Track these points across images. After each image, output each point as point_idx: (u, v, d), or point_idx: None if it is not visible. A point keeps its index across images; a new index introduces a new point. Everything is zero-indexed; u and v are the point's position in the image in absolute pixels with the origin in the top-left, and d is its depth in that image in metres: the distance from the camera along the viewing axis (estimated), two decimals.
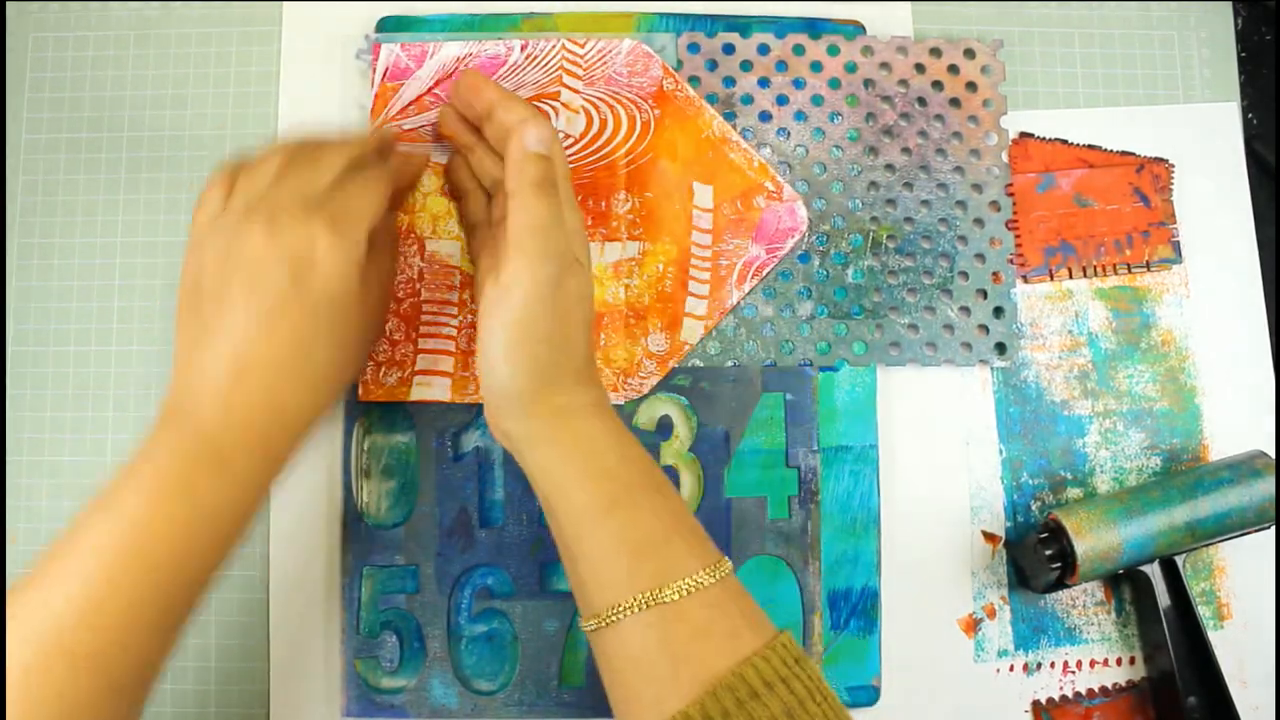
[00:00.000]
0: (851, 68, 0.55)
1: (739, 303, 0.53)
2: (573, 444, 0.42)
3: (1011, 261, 0.54)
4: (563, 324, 0.43)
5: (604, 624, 0.40)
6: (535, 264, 0.42)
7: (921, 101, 0.55)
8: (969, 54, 0.55)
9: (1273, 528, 0.50)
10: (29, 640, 0.35)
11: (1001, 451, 0.54)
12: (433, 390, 0.51)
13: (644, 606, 0.39)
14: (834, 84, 0.55)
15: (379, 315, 0.47)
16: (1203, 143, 0.56)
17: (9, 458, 0.53)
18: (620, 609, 0.39)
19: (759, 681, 0.37)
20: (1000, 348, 0.53)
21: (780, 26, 0.55)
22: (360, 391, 0.51)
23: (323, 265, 0.41)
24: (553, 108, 0.53)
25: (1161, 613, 0.50)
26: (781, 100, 0.54)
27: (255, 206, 0.42)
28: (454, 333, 0.52)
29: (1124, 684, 0.52)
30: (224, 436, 0.40)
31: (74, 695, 0.35)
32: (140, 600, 0.37)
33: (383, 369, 0.51)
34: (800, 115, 0.54)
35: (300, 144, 0.45)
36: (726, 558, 0.42)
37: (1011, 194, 0.54)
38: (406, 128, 0.53)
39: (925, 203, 0.54)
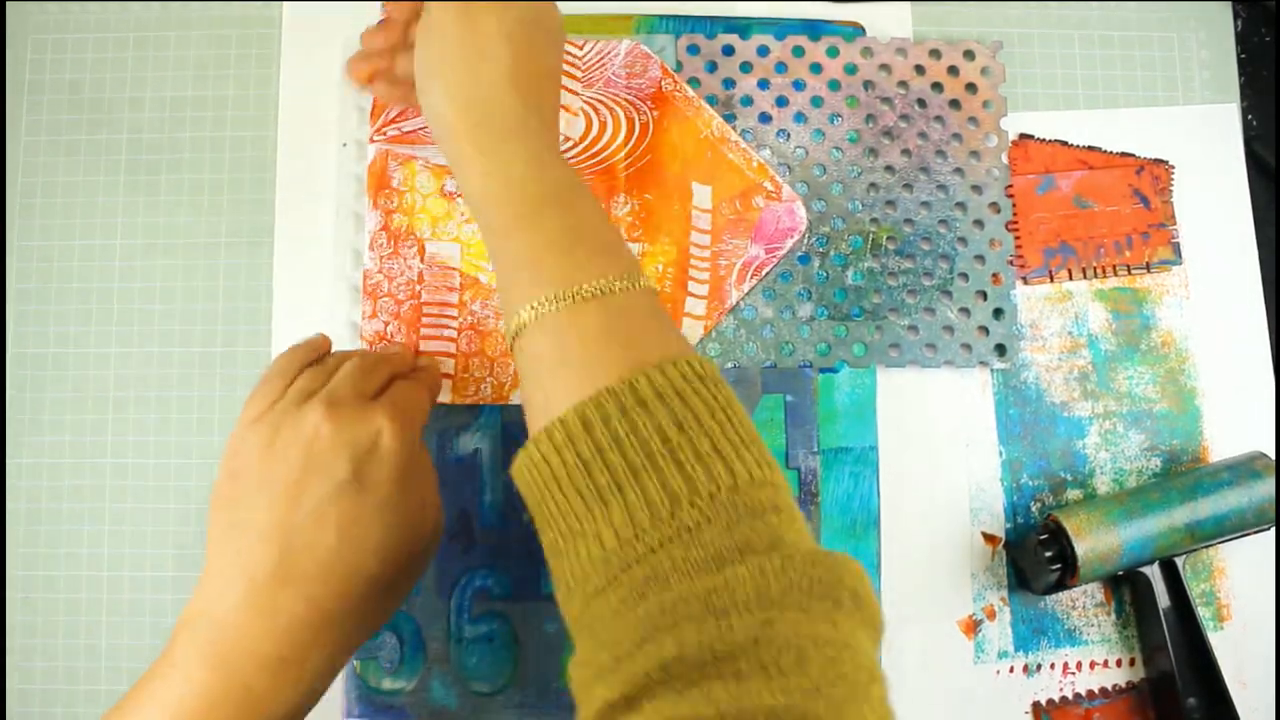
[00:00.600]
0: (851, 69, 0.55)
1: (738, 303, 0.53)
2: (492, 166, 0.41)
3: (1011, 263, 0.54)
4: (480, 60, 0.41)
5: (513, 335, 0.38)
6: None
7: (921, 103, 0.55)
8: (969, 55, 0.55)
9: (1272, 529, 0.50)
10: None
11: (1001, 453, 0.53)
12: None
13: (544, 312, 0.37)
14: (834, 85, 0.55)
15: (424, 521, 0.43)
16: (1202, 144, 0.56)
17: (9, 458, 0.53)
18: (523, 318, 0.37)
19: (650, 391, 0.34)
20: (1000, 349, 0.53)
21: (780, 28, 0.55)
22: None
23: (386, 453, 0.40)
24: None
25: (1161, 614, 0.50)
26: (781, 102, 0.54)
27: (314, 395, 0.41)
28: (454, 334, 0.52)
29: (1124, 685, 0.52)
30: (253, 650, 0.38)
31: None
32: None
33: None
34: (800, 117, 0.54)
35: (348, 354, 0.46)
36: (643, 275, 0.39)
37: (1011, 195, 0.55)
38: (406, 129, 0.53)
39: (925, 204, 0.54)
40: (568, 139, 0.53)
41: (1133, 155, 0.56)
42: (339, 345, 0.50)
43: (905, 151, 0.54)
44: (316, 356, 0.45)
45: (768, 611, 0.29)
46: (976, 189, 0.54)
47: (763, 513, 0.33)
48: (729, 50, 0.55)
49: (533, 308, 0.37)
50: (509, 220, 0.40)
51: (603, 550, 0.33)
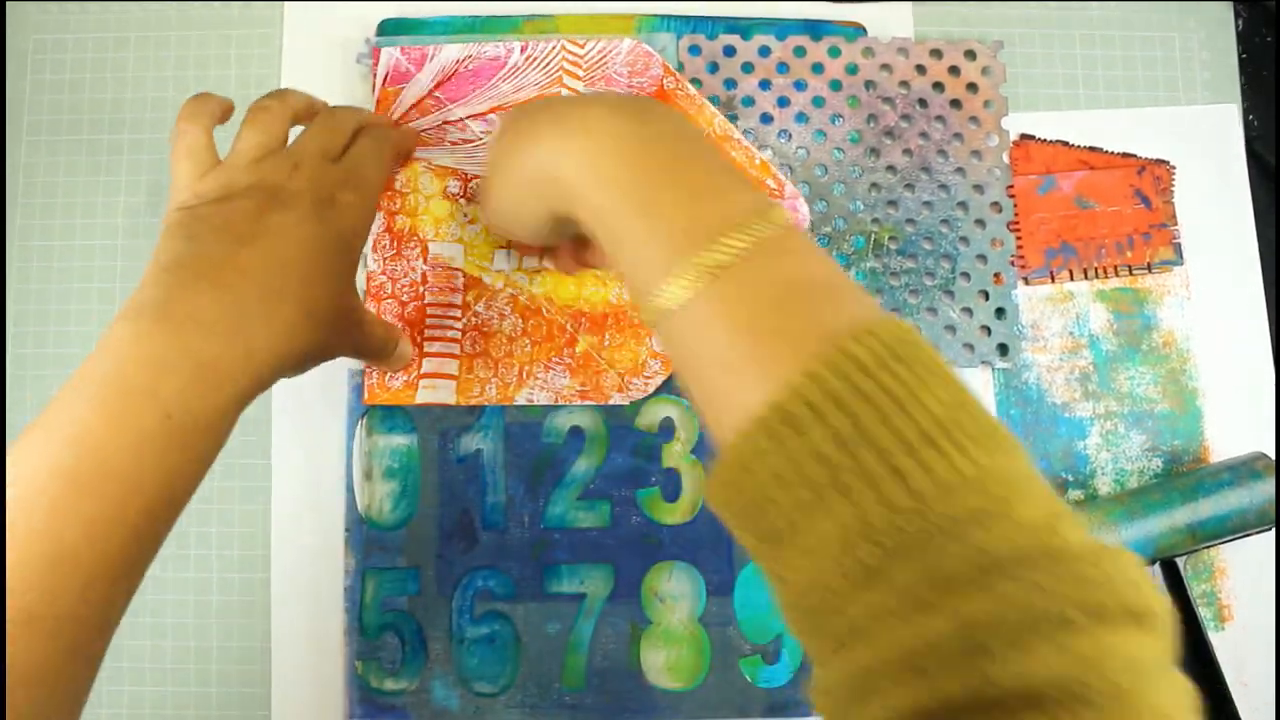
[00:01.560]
0: (853, 69, 0.55)
1: None
2: (584, 146, 0.36)
3: (1013, 262, 0.54)
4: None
5: (657, 311, 0.33)
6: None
7: (923, 103, 0.55)
8: (970, 55, 0.55)
9: (1273, 529, 0.50)
10: None
11: None
12: (438, 393, 0.51)
13: (682, 293, 0.32)
14: (835, 86, 0.55)
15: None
16: (1203, 144, 0.57)
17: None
18: (669, 288, 0.32)
19: (803, 410, 0.28)
20: (1003, 349, 0.53)
21: (781, 28, 0.55)
22: (365, 395, 0.51)
23: (342, 207, 0.42)
24: None
25: None
26: (783, 102, 0.54)
27: (274, 152, 0.42)
28: (459, 335, 0.51)
29: None
30: (206, 340, 0.36)
31: (28, 663, 0.31)
32: (104, 542, 0.33)
33: (387, 373, 0.51)
34: (801, 117, 0.54)
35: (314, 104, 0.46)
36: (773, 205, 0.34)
37: (1013, 195, 0.55)
38: None
39: (927, 204, 0.54)
40: None
41: (1134, 155, 0.56)
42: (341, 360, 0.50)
43: (907, 151, 0.54)
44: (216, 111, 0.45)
45: (979, 663, 0.25)
46: (978, 188, 0.54)
47: (962, 530, 0.27)
48: (730, 51, 0.55)
49: (683, 275, 0.32)
50: (625, 190, 0.35)
51: (797, 595, 0.29)
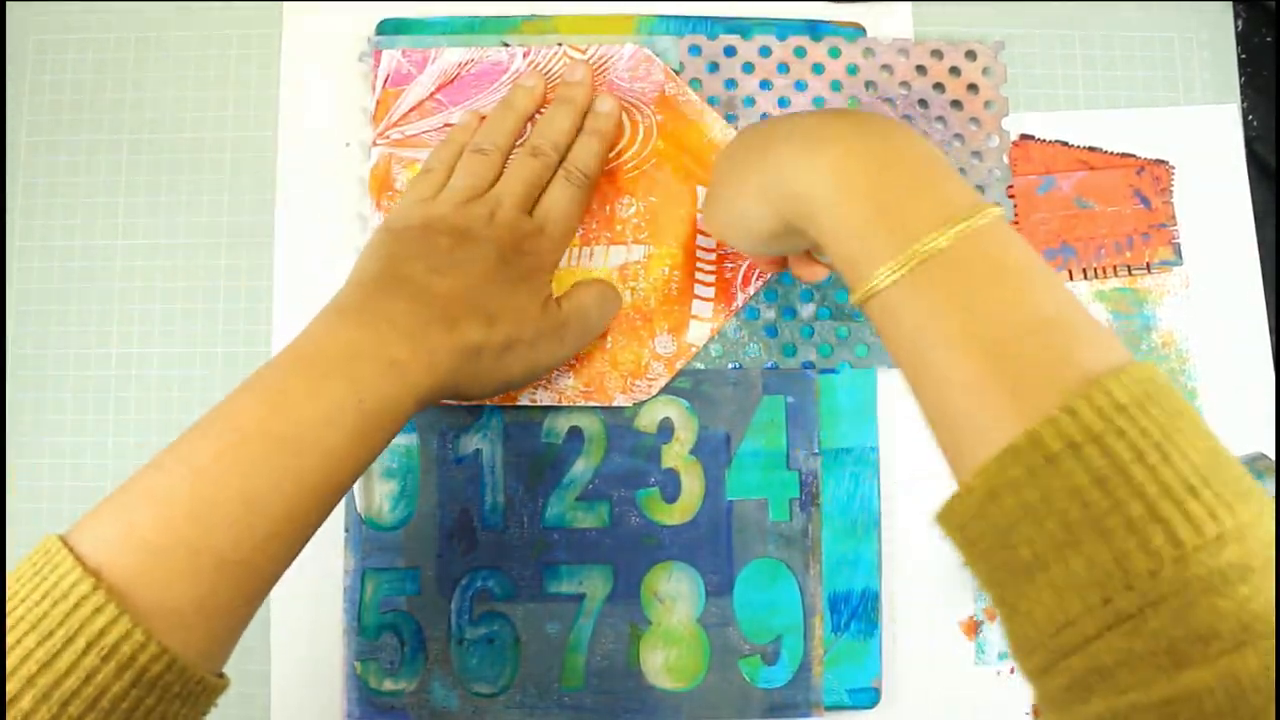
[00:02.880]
0: (853, 70, 0.55)
1: (744, 304, 0.53)
2: (830, 162, 0.37)
3: None
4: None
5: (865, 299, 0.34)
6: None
7: (923, 103, 0.55)
8: (970, 56, 0.55)
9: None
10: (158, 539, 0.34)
11: None
12: None
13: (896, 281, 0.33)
14: (835, 86, 0.55)
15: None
16: (1203, 145, 0.57)
17: (9, 459, 0.53)
18: (876, 283, 0.34)
19: (1058, 443, 0.28)
20: None
21: (781, 29, 0.55)
22: None
23: (533, 260, 0.47)
24: None
25: None
26: (783, 103, 0.54)
27: (476, 199, 0.48)
28: None
29: None
30: (397, 341, 0.40)
31: (215, 601, 0.34)
32: (288, 499, 0.36)
33: None
34: None
35: (505, 127, 0.51)
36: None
37: (1012, 196, 0.55)
38: (409, 133, 0.53)
39: None
40: None
41: (1133, 155, 0.56)
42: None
43: None
44: (470, 134, 0.51)
45: None
46: (978, 189, 0.54)
47: (1225, 585, 0.26)
48: (731, 51, 0.55)
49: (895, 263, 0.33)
50: (866, 199, 0.35)
51: (1036, 630, 0.29)
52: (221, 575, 0.34)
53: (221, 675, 0.36)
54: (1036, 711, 0.51)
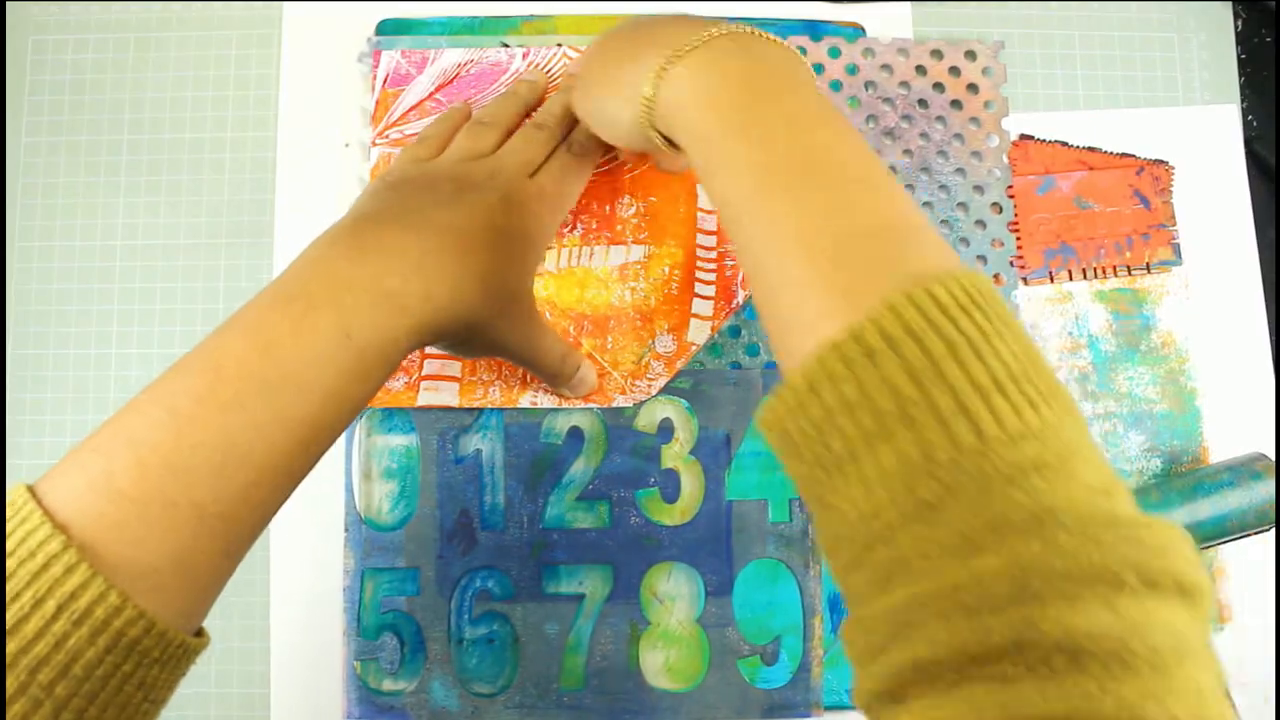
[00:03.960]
0: (853, 70, 0.55)
1: (744, 303, 0.53)
2: (688, 72, 0.38)
3: (1013, 263, 0.54)
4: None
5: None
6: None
7: (923, 103, 0.55)
8: (970, 56, 0.55)
9: (1272, 530, 0.50)
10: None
11: None
12: (440, 395, 0.51)
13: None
14: (835, 86, 0.55)
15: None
16: (1203, 145, 0.57)
17: (9, 460, 0.53)
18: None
19: (878, 340, 0.29)
20: None
21: (781, 29, 0.55)
22: None
23: (535, 224, 0.46)
24: None
25: None
26: None
27: (479, 157, 0.47)
28: None
29: None
30: (390, 272, 0.38)
31: (180, 556, 0.32)
32: (271, 444, 0.34)
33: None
34: None
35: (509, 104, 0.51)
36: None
37: (1012, 196, 0.55)
38: (409, 133, 0.53)
39: (927, 204, 0.54)
40: None
41: (1133, 156, 0.56)
42: None
43: (907, 152, 0.54)
44: (466, 116, 0.50)
45: (1027, 608, 0.25)
46: (978, 189, 0.54)
47: (1024, 478, 0.27)
48: None
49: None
50: (725, 115, 0.36)
51: (847, 525, 0.29)
52: (201, 529, 0.32)
53: (200, 633, 0.35)
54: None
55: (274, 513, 0.36)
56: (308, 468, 0.36)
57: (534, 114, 0.51)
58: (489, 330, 0.43)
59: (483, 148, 0.47)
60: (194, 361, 0.34)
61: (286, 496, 0.36)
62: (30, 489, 0.31)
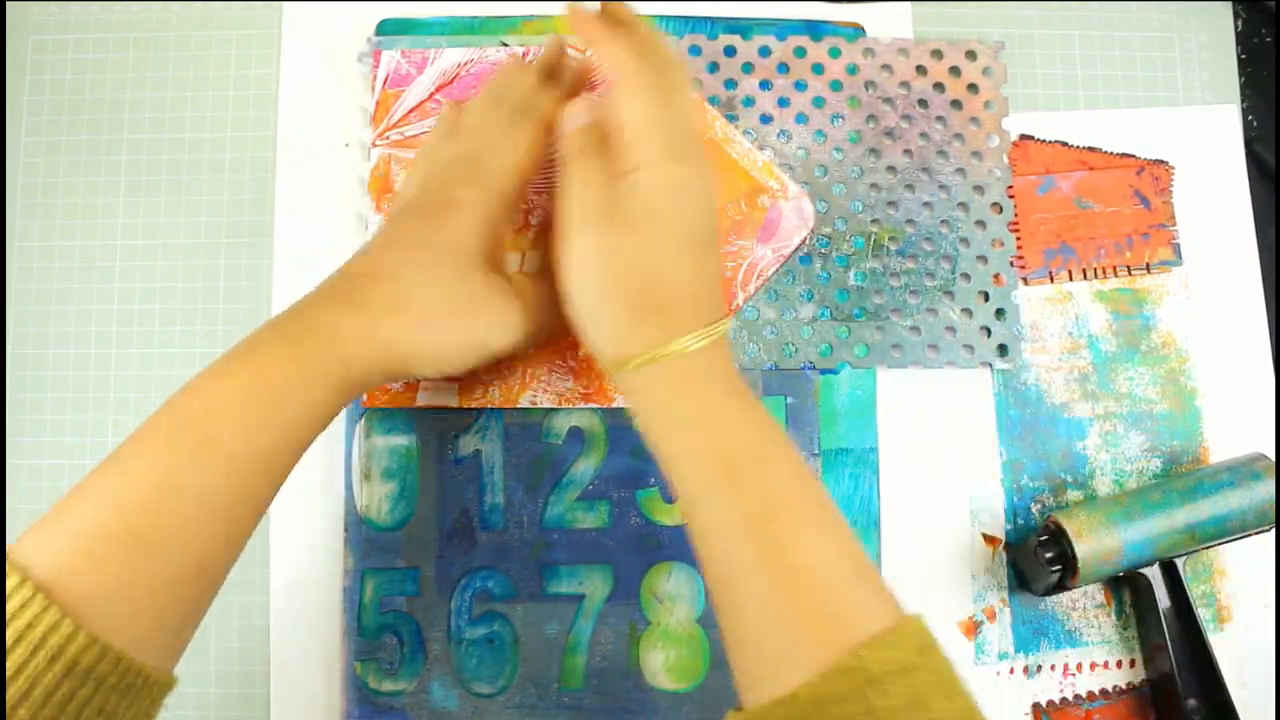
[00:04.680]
0: (853, 70, 0.55)
1: (744, 304, 0.53)
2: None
3: (1013, 263, 0.54)
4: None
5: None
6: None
7: (923, 103, 0.55)
8: (970, 56, 0.55)
9: (1273, 530, 0.50)
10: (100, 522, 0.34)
11: (1002, 454, 0.54)
12: (440, 396, 0.51)
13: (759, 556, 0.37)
14: (835, 86, 0.55)
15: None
16: (1203, 145, 0.57)
17: (9, 460, 0.53)
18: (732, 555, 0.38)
19: (880, 669, 0.33)
20: (1003, 349, 0.53)
21: (781, 29, 0.55)
22: (365, 398, 0.51)
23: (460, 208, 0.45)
24: None
25: (1162, 615, 0.50)
26: (783, 102, 0.54)
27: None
28: None
29: (1124, 686, 0.52)
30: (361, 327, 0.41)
31: (147, 581, 0.34)
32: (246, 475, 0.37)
33: None
34: (801, 117, 0.54)
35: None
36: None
37: (1012, 196, 0.54)
38: (409, 134, 0.53)
39: (927, 204, 0.54)
40: None
41: (1133, 156, 0.56)
42: None
43: (907, 152, 0.54)
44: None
45: None
46: (978, 189, 0.54)
47: None
48: (730, 51, 0.55)
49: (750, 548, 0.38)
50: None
51: None
52: (144, 558, 0.34)
53: (167, 673, 0.36)
54: (1036, 713, 0.51)
55: (247, 539, 0.38)
56: (261, 497, 0.39)
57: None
58: (471, 340, 0.44)
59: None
60: (180, 405, 0.37)
61: (258, 520, 0.39)
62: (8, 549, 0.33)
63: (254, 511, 0.38)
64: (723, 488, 0.38)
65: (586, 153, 0.43)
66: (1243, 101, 0.57)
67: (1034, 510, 0.53)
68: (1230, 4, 0.58)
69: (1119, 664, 0.52)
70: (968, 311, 0.53)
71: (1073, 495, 0.53)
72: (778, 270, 0.53)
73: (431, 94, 0.53)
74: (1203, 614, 0.52)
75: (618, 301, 0.41)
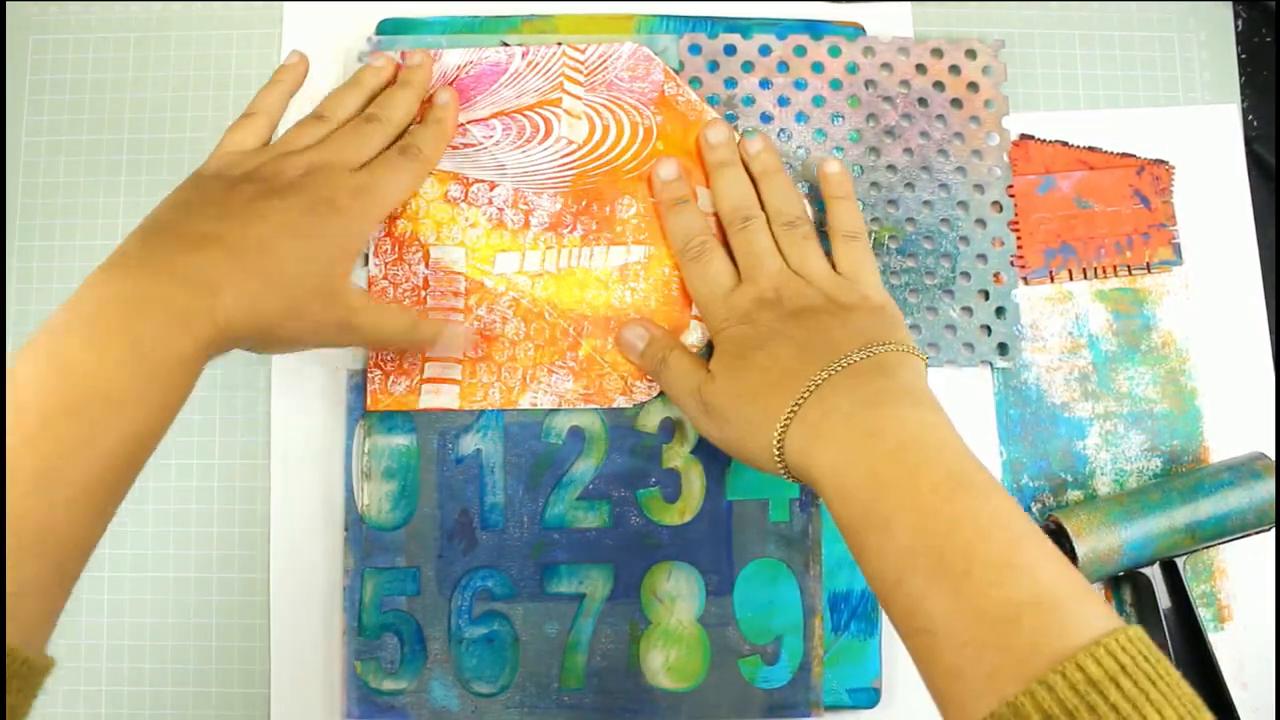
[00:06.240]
0: (853, 68, 0.55)
1: None
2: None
3: (1013, 262, 0.54)
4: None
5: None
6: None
7: (923, 102, 0.55)
8: (970, 54, 0.55)
9: (1273, 530, 0.50)
10: None
11: (1002, 453, 0.54)
12: (441, 398, 0.51)
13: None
14: (835, 85, 0.55)
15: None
16: (1203, 144, 0.57)
17: None
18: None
19: (1100, 672, 0.31)
20: (1003, 348, 0.53)
21: (781, 28, 0.55)
22: (368, 401, 0.51)
23: (341, 210, 0.45)
24: (554, 114, 0.53)
25: (1162, 614, 0.50)
26: (783, 101, 0.54)
27: (299, 153, 0.46)
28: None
29: None
30: (176, 290, 0.40)
31: (26, 579, 0.34)
32: (87, 463, 0.36)
33: (390, 378, 0.51)
34: (801, 116, 0.54)
35: (346, 96, 0.50)
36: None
37: (1012, 195, 0.54)
38: None
39: (927, 203, 0.54)
40: (571, 142, 0.53)
41: (1133, 156, 0.56)
42: (341, 362, 0.52)
43: (907, 150, 0.54)
44: (299, 84, 0.50)
45: None
46: (979, 188, 0.54)
47: None
48: (730, 50, 0.55)
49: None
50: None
51: None
52: (25, 551, 0.34)
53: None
54: None
55: (103, 526, 0.38)
56: (130, 477, 0.38)
57: (368, 109, 0.50)
58: (285, 330, 0.44)
59: (309, 141, 0.47)
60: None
61: (113, 509, 0.38)
62: None
63: (113, 497, 0.38)
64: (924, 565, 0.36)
65: (679, 354, 0.49)
66: (1243, 101, 0.57)
67: (1034, 510, 0.53)
68: (1230, 4, 0.58)
69: None
70: (968, 310, 0.53)
71: (1073, 495, 0.53)
72: None
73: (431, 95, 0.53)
74: (1203, 614, 0.52)
75: (743, 423, 0.45)
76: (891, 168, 0.54)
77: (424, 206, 0.52)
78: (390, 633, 0.50)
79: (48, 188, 0.55)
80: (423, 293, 0.52)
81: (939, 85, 0.55)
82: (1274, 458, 0.52)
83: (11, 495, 0.34)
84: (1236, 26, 0.58)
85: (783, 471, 0.43)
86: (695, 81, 0.54)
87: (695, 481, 0.52)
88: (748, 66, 0.55)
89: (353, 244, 0.46)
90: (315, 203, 0.44)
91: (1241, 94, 0.57)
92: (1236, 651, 0.52)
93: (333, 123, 0.49)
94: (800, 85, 0.55)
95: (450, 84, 0.53)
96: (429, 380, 0.51)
